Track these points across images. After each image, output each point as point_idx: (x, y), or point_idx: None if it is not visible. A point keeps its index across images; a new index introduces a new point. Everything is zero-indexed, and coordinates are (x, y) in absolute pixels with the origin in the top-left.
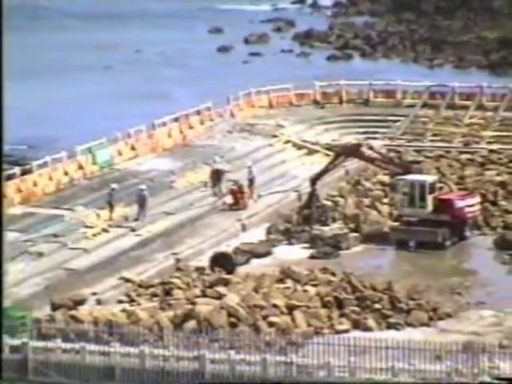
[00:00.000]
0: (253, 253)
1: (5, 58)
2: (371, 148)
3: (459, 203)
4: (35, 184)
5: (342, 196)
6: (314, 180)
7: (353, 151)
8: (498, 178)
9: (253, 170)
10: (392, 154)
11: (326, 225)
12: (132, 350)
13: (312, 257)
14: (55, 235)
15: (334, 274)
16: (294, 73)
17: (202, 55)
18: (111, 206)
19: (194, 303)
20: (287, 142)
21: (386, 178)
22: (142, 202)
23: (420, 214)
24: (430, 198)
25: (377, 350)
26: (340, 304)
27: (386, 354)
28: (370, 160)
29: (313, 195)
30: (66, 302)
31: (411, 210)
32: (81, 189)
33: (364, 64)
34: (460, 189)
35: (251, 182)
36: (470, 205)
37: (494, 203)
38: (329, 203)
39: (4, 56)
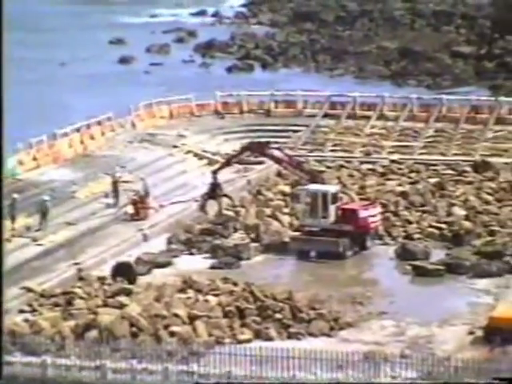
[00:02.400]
0: (154, 263)
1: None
2: (280, 149)
3: (363, 213)
4: None
5: (243, 206)
6: (215, 171)
7: (259, 148)
8: (399, 188)
9: (147, 183)
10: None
11: (225, 237)
12: (34, 359)
13: (213, 267)
14: None
15: (235, 284)
16: (195, 83)
17: (103, 66)
18: (13, 217)
19: (95, 313)
20: (188, 152)
21: (287, 188)
22: (44, 212)
23: (323, 224)
24: (332, 208)
25: (278, 359)
26: (241, 314)
27: (288, 364)
28: (277, 160)
29: (215, 185)
30: None
31: (314, 220)
32: None
33: (265, 74)
34: (361, 199)
35: (146, 194)
36: (373, 215)
37: (395, 213)
38: (230, 213)
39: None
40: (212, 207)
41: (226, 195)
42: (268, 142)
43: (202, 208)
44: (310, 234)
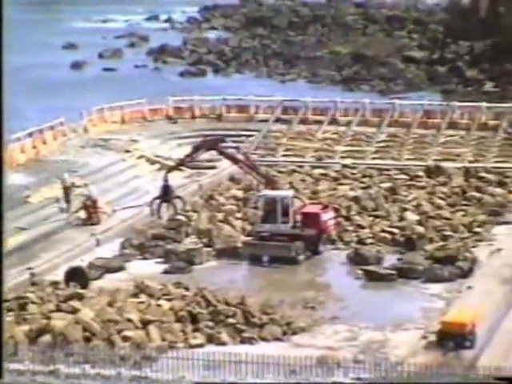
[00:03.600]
0: (107, 267)
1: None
2: (238, 149)
3: (324, 216)
4: None
5: (195, 211)
6: (168, 171)
7: (214, 144)
8: (352, 193)
9: (92, 190)
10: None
11: (178, 241)
12: None
13: (166, 271)
14: None
15: (187, 289)
16: (148, 88)
17: (56, 71)
18: None
19: (48, 318)
20: (140, 157)
21: (240, 193)
22: None
23: (283, 229)
24: (291, 213)
25: (231, 364)
26: (194, 318)
27: (241, 369)
28: (233, 159)
29: (167, 188)
30: None
31: (273, 225)
32: None
33: (217, 79)
34: (312, 203)
35: (90, 199)
36: (330, 218)
37: (348, 218)
38: (182, 218)
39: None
40: (165, 211)
41: (178, 197)
42: (223, 138)
43: (157, 212)
44: (262, 238)
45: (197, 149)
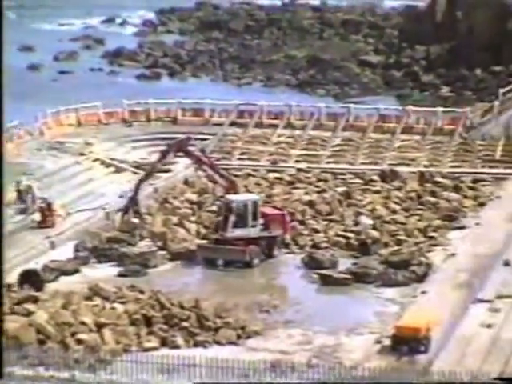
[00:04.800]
0: (61, 270)
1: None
2: (203, 151)
3: (287, 218)
4: None
5: (149, 214)
6: (140, 181)
7: (182, 146)
8: (306, 197)
9: (35, 192)
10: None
11: (132, 244)
12: None
13: (120, 275)
14: None
15: (142, 292)
16: (103, 91)
17: (11, 73)
18: None
19: (2, 320)
20: (95, 160)
21: (194, 197)
22: None
23: (253, 233)
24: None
25: (185, 367)
26: (148, 322)
27: (195, 372)
28: (198, 160)
29: (136, 200)
30: None
31: (244, 230)
32: None
33: (173, 83)
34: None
35: (34, 201)
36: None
37: (302, 222)
38: (136, 221)
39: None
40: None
41: (138, 212)
42: (189, 138)
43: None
44: (217, 242)
45: (165, 153)
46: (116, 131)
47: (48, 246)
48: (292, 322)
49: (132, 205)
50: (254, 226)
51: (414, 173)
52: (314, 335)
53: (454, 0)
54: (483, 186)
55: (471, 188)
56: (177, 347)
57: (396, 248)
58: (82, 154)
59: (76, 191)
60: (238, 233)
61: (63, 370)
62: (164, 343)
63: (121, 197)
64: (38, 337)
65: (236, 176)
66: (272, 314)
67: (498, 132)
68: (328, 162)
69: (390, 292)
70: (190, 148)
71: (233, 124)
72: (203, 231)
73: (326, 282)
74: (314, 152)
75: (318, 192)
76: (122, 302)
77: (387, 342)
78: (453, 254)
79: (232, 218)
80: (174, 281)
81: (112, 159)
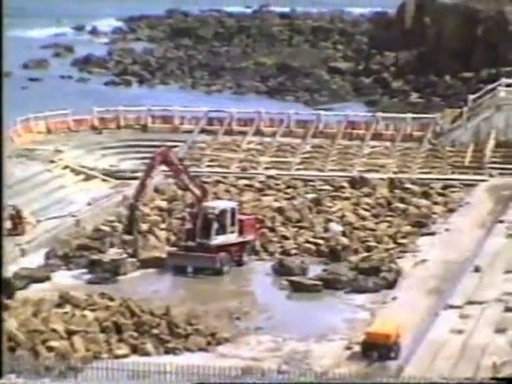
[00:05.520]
0: (32, 278)
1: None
2: (182, 160)
3: (257, 223)
4: None
5: (119, 221)
6: (134, 201)
7: (165, 156)
8: (276, 204)
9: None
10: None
11: (102, 252)
12: None
13: (90, 282)
14: None
15: (112, 299)
16: (73, 98)
17: None
18: None
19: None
20: (65, 167)
21: (164, 204)
22: None
23: (231, 239)
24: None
25: (155, 374)
26: (118, 329)
27: (165, 379)
28: (177, 170)
29: (133, 219)
30: None
31: (224, 236)
32: None
33: (142, 90)
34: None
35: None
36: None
37: (272, 229)
38: (106, 228)
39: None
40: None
41: (140, 232)
42: (169, 147)
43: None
44: (187, 249)
45: (151, 167)
46: (86, 138)
47: (18, 253)
48: (262, 328)
49: (130, 225)
50: (232, 232)
51: (383, 179)
52: (284, 342)
53: (423, 6)
54: (453, 192)
55: (441, 194)
56: (147, 354)
57: (366, 254)
58: (51, 162)
59: (46, 198)
60: (221, 239)
61: (34, 378)
62: (134, 350)
63: (89, 204)
64: (8, 344)
65: (205, 183)
66: (242, 321)
67: (468, 138)
68: (298, 169)
69: (360, 298)
70: (172, 157)
71: (202, 131)
72: (173, 238)
73: (296, 288)
74: (284, 159)
75: (288, 199)
76: (93, 310)
77: (357, 348)
78: (423, 260)
79: (215, 226)
80: (144, 288)
81: (82, 166)
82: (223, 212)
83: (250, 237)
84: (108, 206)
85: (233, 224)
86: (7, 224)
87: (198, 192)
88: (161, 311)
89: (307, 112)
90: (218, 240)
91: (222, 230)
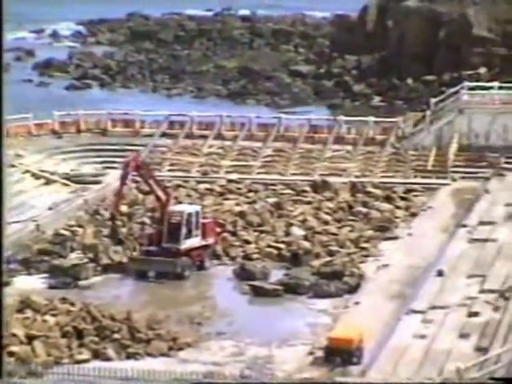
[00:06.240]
0: None
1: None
2: (147, 164)
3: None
4: None
5: (80, 226)
6: (114, 210)
7: (137, 163)
8: (237, 208)
9: None
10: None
11: (63, 256)
12: None
13: (51, 287)
14: None
15: (73, 304)
16: (34, 102)
17: None
18: None
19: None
20: (26, 171)
21: (125, 208)
22: None
23: (197, 242)
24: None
25: (117, 380)
26: (79, 334)
27: None
28: (148, 176)
29: (115, 229)
30: None
31: (191, 240)
32: None
33: (103, 93)
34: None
35: None
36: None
37: (234, 233)
38: (67, 233)
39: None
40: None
41: (121, 240)
42: (138, 153)
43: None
44: (148, 254)
45: (125, 175)
46: (46, 143)
47: None
48: (224, 333)
49: (115, 235)
50: (196, 236)
51: (345, 183)
52: (246, 347)
53: (386, 9)
54: (415, 196)
55: (403, 198)
56: (108, 359)
57: (328, 259)
58: (12, 166)
59: (6, 203)
60: (190, 243)
61: None
62: (96, 355)
63: (50, 209)
64: None
65: (166, 187)
66: (204, 326)
67: (430, 142)
68: (259, 173)
69: (322, 303)
70: (144, 162)
71: (163, 135)
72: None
73: (258, 293)
74: (245, 163)
75: (249, 203)
76: (54, 315)
77: (320, 353)
78: (385, 265)
79: (184, 230)
80: (105, 293)
81: (42, 171)
82: (190, 216)
83: (210, 240)
84: (68, 210)
85: (197, 228)
86: None
87: (163, 197)
88: (122, 316)
89: (269, 115)
90: (185, 245)
91: (188, 234)
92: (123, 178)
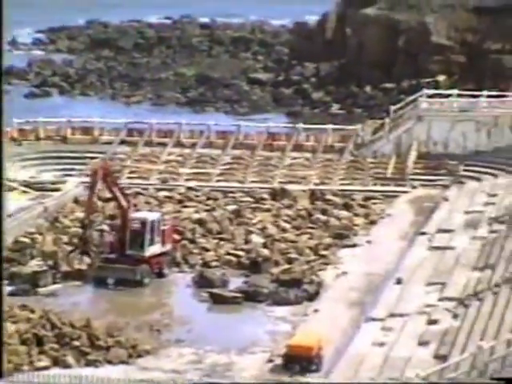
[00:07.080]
0: None
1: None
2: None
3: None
4: None
5: (40, 233)
6: (86, 220)
7: (106, 171)
8: (196, 216)
9: None
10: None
11: (23, 264)
12: None
13: (11, 294)
14: None
15: (33, 312)
16: None
17: None
18: None
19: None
20: None
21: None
22: None
23: (161, 249)
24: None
25: None
26: (39, 341)
27: None
28: (113, 184)
29: (87, 238)
30: None
31: (153, 247)
32: None
33: (62, 101)
34: None
35: None
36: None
37: (192, 241)
38: (27, 240)
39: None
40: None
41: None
42: (105, 161)
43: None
44: (108, 261)
45: (93, 184)
46: (6, 150)
47: None
48: (183, 340)
49: (85, 245)
50: (158, 243)
51: (304, 191)
52: (205, 354)
53: (344, 17)
54: (374, 203)
55: (362, 206)
56: (68, 366)
57: (287, 266)
58: None
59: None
60: (152, 250)
61: None
62: (55, 362)
63: (9, 216)
64: None
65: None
66: (163, 333)
67: (389, 149)
68: (218, 181)
69: (281, 310)
70: (111, 171)
71: (122, 142)
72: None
73: (217, 300)
74: (204, 170)
75: (208, 210)
76: (13, 322)
77: (279, 360)
78: (344, 273)
79: (148, 236)
80: (65, 300)
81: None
82: (152, 223)
83: (168, 247)
84: (28, 217)
85: (158, 235)
86: None
87: (126, 204)
88: (81, 323)
89: (227, 123)
90: (149, 252)
91: (151, 241)
92: (92, 187)
